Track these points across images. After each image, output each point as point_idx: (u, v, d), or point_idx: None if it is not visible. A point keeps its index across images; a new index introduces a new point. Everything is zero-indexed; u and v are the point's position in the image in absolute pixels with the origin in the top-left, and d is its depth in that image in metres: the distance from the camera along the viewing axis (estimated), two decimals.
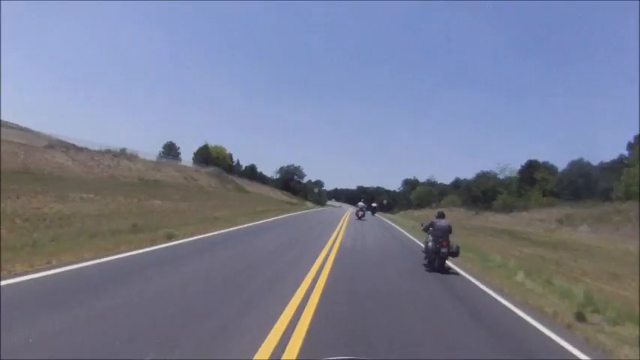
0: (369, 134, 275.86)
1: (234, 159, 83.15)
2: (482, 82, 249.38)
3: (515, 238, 27.75)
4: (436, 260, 9.49)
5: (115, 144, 40.19)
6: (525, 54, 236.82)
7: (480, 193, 75.89)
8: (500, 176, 73.67)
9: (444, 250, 9.35)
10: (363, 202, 34.65)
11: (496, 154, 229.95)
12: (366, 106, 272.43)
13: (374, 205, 45.63)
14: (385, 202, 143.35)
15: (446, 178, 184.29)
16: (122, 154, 36.51)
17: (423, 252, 10.44)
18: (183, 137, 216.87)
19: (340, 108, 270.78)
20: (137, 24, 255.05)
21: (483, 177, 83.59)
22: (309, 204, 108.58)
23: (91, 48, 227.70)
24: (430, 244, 9.69)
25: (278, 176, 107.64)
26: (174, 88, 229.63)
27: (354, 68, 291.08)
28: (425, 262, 10.17)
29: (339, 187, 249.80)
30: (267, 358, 3.45)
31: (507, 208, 57.51)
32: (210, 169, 53.80)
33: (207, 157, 63.72)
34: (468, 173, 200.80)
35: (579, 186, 55.06)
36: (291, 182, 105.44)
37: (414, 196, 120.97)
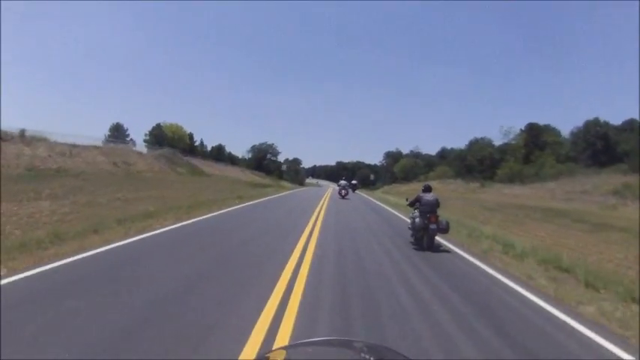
0: (346, 110, 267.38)
1: (197, 139, 72.49)
2: (460, 57, 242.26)
3: (572, 220, 19.31)
4: (424, 238, 8.83)
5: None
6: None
7: (476, 162, 68.02)
8: (499, 141, 65.43)
9: (432, 226, 8.67)
10: (345, 179, 32.71)
11: (482, 125, 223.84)
12: (342, 83, 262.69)
13: (354, 182, 44.72)
14: (372, 177, 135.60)
15: (431, 149, 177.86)
16: (12, 136, 25.89)
17: (409, 228, 9.51)
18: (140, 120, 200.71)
19: (316, 86, 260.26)
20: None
21: (477, 144, 75.76)
22: (285, 184, 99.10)
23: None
24: (417, 220, 8.93)
25: (250, 155, 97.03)
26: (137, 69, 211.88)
27: (329, 46, 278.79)
28: (412, 239, 9.47)
29: (317, 164, 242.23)
30: None
31: (515, 178, 49.63)
32: (160, 151, 43.24)
33: (160, 137, 53.08)
34: (454, 143, 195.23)
35: (598, 150, 47.60)
36: (264, 161, 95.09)
37: (397, 169, 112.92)
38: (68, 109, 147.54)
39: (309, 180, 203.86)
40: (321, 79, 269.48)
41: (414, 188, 57.13)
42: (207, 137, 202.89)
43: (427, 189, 9.50)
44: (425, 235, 8.83)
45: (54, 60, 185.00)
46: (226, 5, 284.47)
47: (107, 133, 58.30)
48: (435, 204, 9.03)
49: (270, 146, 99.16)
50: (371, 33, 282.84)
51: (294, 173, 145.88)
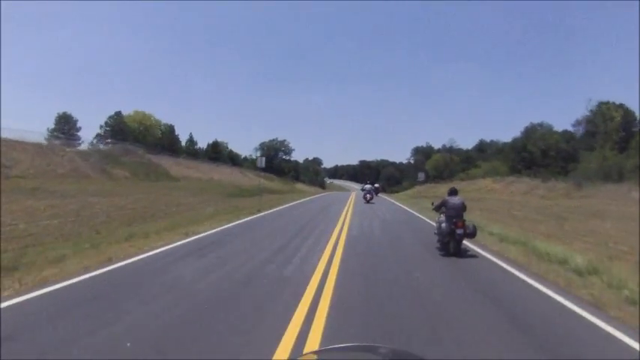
0: (367, 107, 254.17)
1: (183, 136, 60.22)
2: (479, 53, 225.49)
3: None
4: (451, 243, 8.39)
5: None
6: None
7: (540, 153, 52.89)
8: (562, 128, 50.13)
9: (459, 231, 8.26)
10: (369, 183, 32.72)
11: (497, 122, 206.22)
12: (364, 84, 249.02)
13: (376, 185, 42.29)
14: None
15: (466, 143, 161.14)
16: None
17: (436, 234, 9.24)
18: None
19: (337, 88, 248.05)
20: None
21: (536, 131, 60.45)
22: (302, 187, 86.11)
23: None
24: (444, 225, 8.52)
25: (258, 154, 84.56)
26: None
27: (347, 48, 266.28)
28: (438, 245, 9.01)
29: (339, 164, 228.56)
30: None
31: (612, 172, 34.71)
32: (110, 147, 30.74)
33: (119, 128, 40.98)
34: (492, 136, 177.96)
35: None
36: (274, 160, 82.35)
37: (430, 166, 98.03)
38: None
39: (331, 181, 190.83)
40: (342, 77, 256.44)
41: (465, 189, 43.54)
42: (216, 137, 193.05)
43: (453, 192, 9.13)
44: (451, 240, 8.40)
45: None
46: (242, 3, 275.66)
47: (48, 128, 44.45)
48: (462, 208, 8.72)
49: (282, 143, 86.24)
50: (390, 30, 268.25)
51: (314, 174, 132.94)
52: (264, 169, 77.99)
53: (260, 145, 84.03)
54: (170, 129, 52.61)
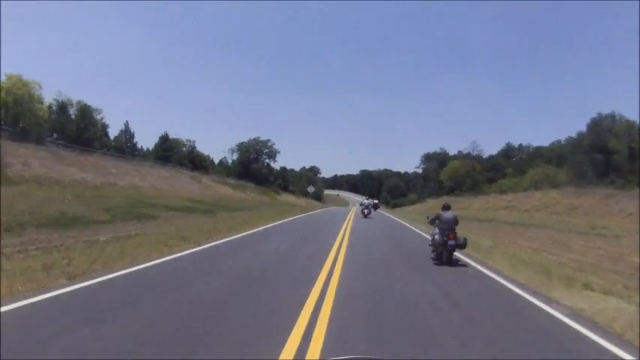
0: (368, 115, 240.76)
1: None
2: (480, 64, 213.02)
3: None
4: (443, 253, 9.41)
5: None
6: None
7: (627, 152, 36.25)
8: None
9: (451, 242, 9.27)
10: (368, 199, 36.37)
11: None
12: (365, 90, 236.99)
13: (375, 201, 45.07)
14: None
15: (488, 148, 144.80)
16: None
17: (430, 245, 10.38)
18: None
19: (336, 94, 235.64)
20: None
21: (600, 124, 44.16)
22: (289, 199, 69.56)
23: None
24: (437, 236, 9.63)
25: (234, 158, 68.01)
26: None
27: (346, 51, 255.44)
28: (432, 255, 10.01)
29: (338, 174, 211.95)
30: None
31: None
32: None
33: None
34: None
35: None
36: (254, 165, 65.77)
37: (446, 175, 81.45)
38: None
39: (327, 192, 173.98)
40: (341, 82, 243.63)
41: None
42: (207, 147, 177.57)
43: (446, 207, 10.06)
44: (444, 250, 9.33)
45: None
46: (241, 5, 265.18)
47: None
48: (454, 221, 9.55)
49: (265, 144, 69.60)
50: (392, 37, 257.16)
51: (306, 184, 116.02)
52: (240, 176, 60.24)
53: (237, 145, 67.37)
54: (84, 111, 35.67)
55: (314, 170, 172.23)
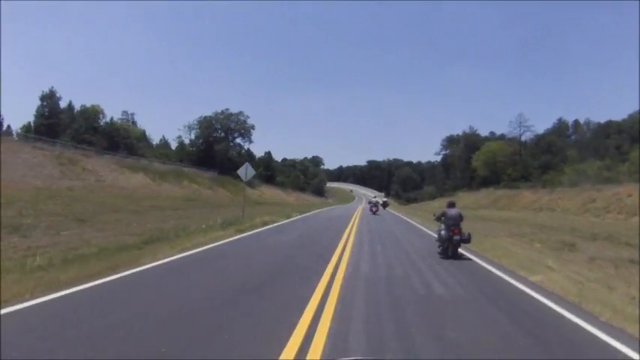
0: (374, 103, 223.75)
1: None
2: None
3: None
4: (449, 248, 9.84)
5: None
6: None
7: None
8: None
9: (456, 237, 9.75)
10: (375, 197, 38.23)
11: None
12: (367, 85, 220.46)
13: (384, 199, 46.11)
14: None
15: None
16: None
17: (437, 241, 10.67)
18: None
19: (341, 83, 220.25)
20: None
21: None
22: (269, 193, 50.77)
23: None
24: (443, 232, 10.02)
25: (192, 137, 49.12)
26: None
27: (350, 43, 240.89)
28: (439, 250, 10.34)
29: (344, 165, 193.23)
30: None
31: None
32: None
33: None
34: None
35: None
36: (218, 147, 46.90)
37: (481, 160, 62.40)
38: None
39: (334, 184, 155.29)
40: (347, 72, 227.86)
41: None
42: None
43: (451, 205, 10.55)
44: (450, 245, 9.82)
45: None
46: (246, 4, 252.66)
47: None
48: (459, 218, 10.07)
49: (235, 118, 50.39)
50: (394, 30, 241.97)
51: (298, 176, 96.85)
52: (199, 161, 41.15)
53: (198, 120, 48.48)
54: None
55: (316, 161, 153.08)
